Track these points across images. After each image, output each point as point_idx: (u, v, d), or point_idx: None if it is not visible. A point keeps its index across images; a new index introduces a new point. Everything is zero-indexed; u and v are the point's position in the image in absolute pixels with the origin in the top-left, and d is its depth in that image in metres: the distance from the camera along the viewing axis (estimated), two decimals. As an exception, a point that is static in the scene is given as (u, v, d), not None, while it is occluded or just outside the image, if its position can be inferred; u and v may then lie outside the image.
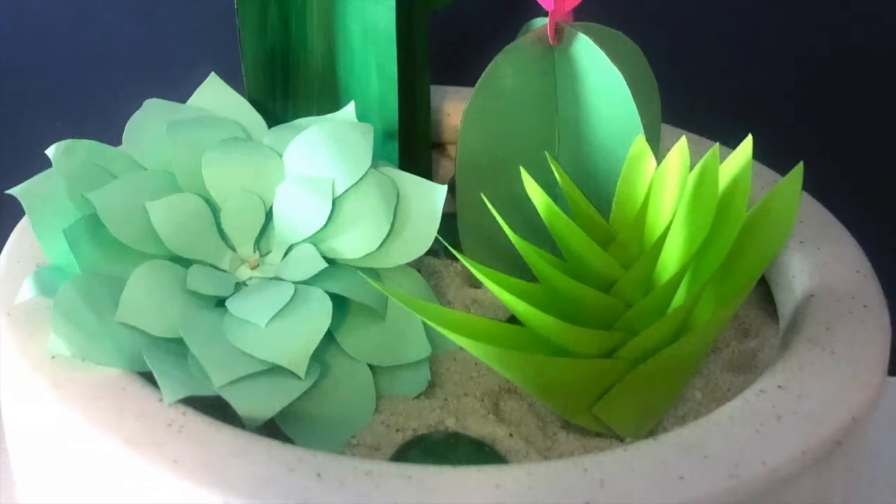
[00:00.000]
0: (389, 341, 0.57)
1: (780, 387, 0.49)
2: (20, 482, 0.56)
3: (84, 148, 0.59)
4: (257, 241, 0.60)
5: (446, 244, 0.57)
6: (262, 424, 0.50)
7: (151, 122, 0.62)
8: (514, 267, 0.55)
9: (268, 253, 0.60)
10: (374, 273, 0.59)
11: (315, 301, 0.54)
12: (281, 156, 0.61)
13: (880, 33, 0.85)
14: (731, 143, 0.55)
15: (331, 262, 0.58)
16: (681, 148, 0.52)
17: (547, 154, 0.57)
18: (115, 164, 0.60)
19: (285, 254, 0.59)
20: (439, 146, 0.79)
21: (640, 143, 0.55)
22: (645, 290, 0.53)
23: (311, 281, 0.56)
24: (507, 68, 0.61)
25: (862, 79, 0.87)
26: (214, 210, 0.59)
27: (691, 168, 0.53)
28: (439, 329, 0.48)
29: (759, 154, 0.55)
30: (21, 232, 0.61)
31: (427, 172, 0.73)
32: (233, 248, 0.59)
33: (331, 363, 0.55)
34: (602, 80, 0.59)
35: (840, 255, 0.60)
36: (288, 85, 0.69)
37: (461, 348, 0.57)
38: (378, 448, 0.52)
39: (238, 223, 0.59)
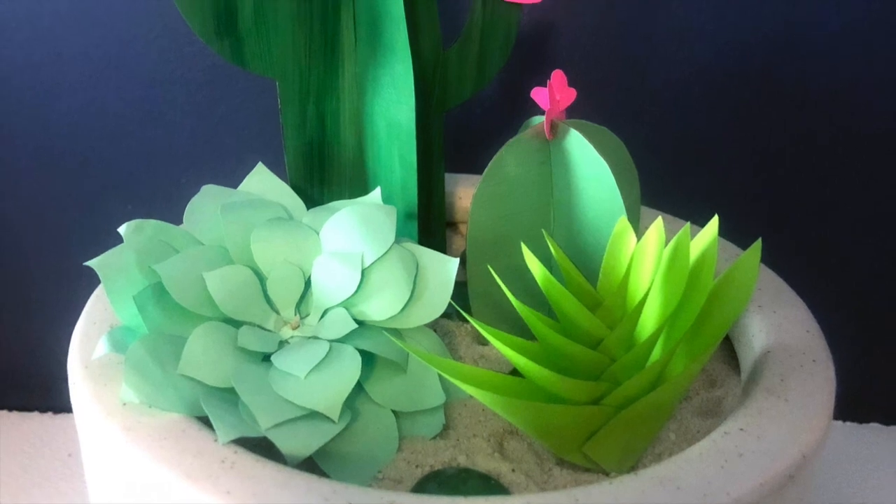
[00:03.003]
0: (410, 390, 0.57)
1: (741, 429, 0.49)
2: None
3: (151, 226, 0.60)
4: (298, 306, 0.60)
5: (458, 308, 0.57)
6: (302, 461, 0.50)
7: (208, 204, 0.62)
8: (515, 327, 0.55)
9: (307, 315, 0.59)
10: (397, 333, 0.58)
11: (347, 356, 0.54)
12: (318, 233, 0.61)
13: (825, 132, 0.85)
14: (700, 222, 0.55)
15: (360, 323, 0.58)
16: (657, 226, 0.52)
17: (544, 232, 0.57)
18: (177, 240, 0.60)
19: (321, 316, 0.59)
20: (452, 225, 0.78)
21: (622, 223, 0.55)
22: (627, 347, 0.53)
23: (343, 339, 0.56)
24: (510, 159, 0.61)
25: (809, 170, 0.87)
26: (261, 279, 0.59)
27: (666, 243, 0.53)
28: (452, 380, 0.48)
29: (723, 232, 0.55)
30: (97, 297, 0.61)
31: (442, 247, 0.73)
32: (277, 312, 0.59)
33: (360, 409, 0.55)
34: (590, 168, 0.59)
35: (792, 317, 0.60)
36: (324, 173, 0.69)
37: (471, 396, 0.57)
38: (400, 481, 0.52)
39: (281, 290, 0.59)
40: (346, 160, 0.69)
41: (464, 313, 0.54)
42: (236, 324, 0.56)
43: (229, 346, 0.54)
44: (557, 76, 0.61)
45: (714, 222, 0.53)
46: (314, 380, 0.53)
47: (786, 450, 0.48)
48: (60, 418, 0.97)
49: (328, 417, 0.51)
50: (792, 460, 0.48)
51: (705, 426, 0.57)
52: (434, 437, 0.56)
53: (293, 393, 0.52)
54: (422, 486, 0.51)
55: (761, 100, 0.85)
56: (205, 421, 0.50)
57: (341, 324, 0.57)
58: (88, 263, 0.56)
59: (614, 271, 0.55)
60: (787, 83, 0.84)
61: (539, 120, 0.62)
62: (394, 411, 0.56)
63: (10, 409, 0.99)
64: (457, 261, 0.59)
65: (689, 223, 0.53)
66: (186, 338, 0.53)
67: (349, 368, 0.54)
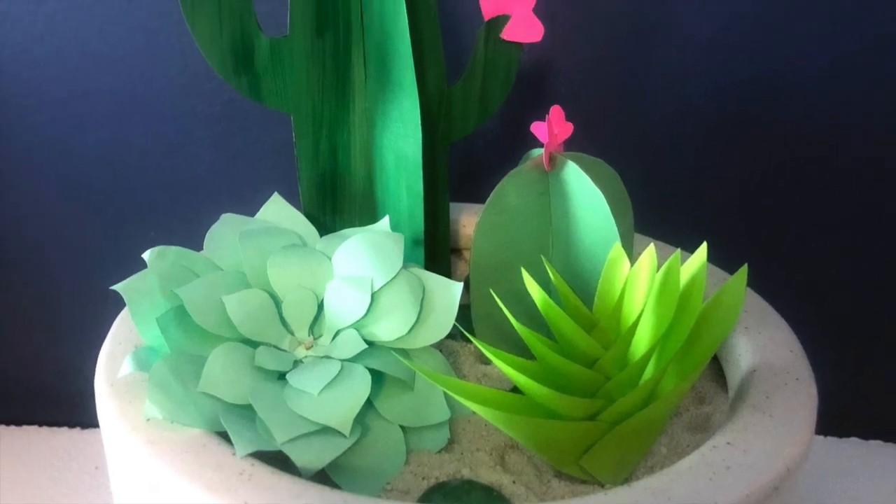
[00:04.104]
0: (417, 407, 0.57)
1: (729, 443, 0.49)
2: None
3: (173, 252, 0.60)
4: (311, 327, 0.60)
5: (462, 329, 0.57)
6: (315, 473, 0.50)
7: (227, 232, 0.62)
8: (516, 348, 0.55)
9: (320, 336, 0.59)
10: (405, 352, 0.58)
11: (357, 375, 0.54)
12: (330, 259, 0.61)
13: (805, 165, 0.86)
14: (690, 248, 0.55)
15: (370, 343, 0.58)
16: (649, 253, 0.52)
17: (543, 258, 0.57)
18: (197, 265, 0.60)
19: (334, 337, 0.59)
20: (456, 251, 0.78)
21: (617, 249, 0.55)
22: (621, 366, 0.53)
23: (354, 359, 0.56)
24: (510, 189, 0.61)
25: (791, 201, 0.87)
26: (277, 302, 0.59)
27: (658, 269, 0.53)
28: (457, 397, 0.49)
29: (712, 257, 0.55)
30: (123, 319, 0.61)
31: (447, 272, 0.73)
32: (291, 333, 0.59)
33: (370, 424, 0.55)
34: (587, 198, 0.59)
35: (777, 338, 0.60)
36: (336, 202, 0.69)
37: (474, 412, 0.57)
38: (408, 492, 0.52)
39: (296, 313, 0.59)
40: (356, 190, 0.69)
41: (467, 334, 0.54)
42: (253, 344, 0.57)
43: (247, 365, 0.54)
44: (556, 111, 0.62)
45: (703, 249, 0.54)
46: (327, 397, 0.53)
47: (771, 463, 0.48)
48: (88, 433, 0.97)
49: (340, 432, 0.51)
50: (777, 473, 0.48)
51: (695, 440, 0.57)
52: (439, 451, 0.56)
53: (307, 409, 0.52)
54: (428, 497, 0.52)
55: (747, 134, 0.85)
56: (224, 436, 0.50)
57: (352, 344, 0.57)
58: (114, 287, 0.56)
59: (609, 295, 0.55)
60: (771, 120, 0.84)
61: (538, 152, 0.62)
62: (402, 426, 0.56)
63: (41, 424, 0.99)
64: (461, 285, 0.60)
65: (679, 250, 0.53)
66: (206, 357, 0.53)
67: (360, 386, 0.54)
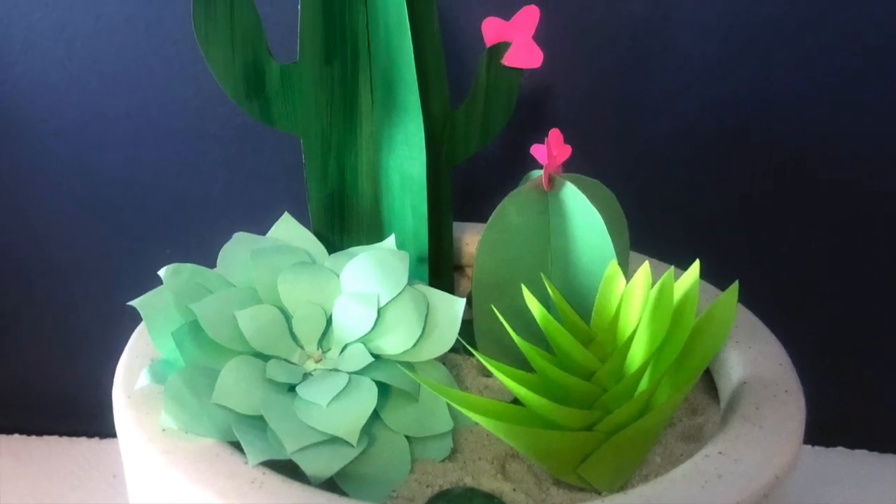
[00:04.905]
0: (421, 418, 0.57)
1: (720, 453, 0.50)
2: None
3: (188, 269, 0.60)
4: (320, 341, 0.60)
5: (465, 344, 0.58)
6: (324, 481, 0.50)
7: (239, 249, 0.62)
8: (517, 361, 0.55)
9: (328, 350, 0.60)
10: (410, 366, 0.58)
11: (364, 387, 0.55)
12: (338, 276, 0.61)
13: (794, 184, 0.86)
14: (683, 266, 0.55)
15: (376, 357, 0.58)
16: (644, 270, 0.53)
17: (542, 275, 0.57)
18: (211, 282, 0.60)
19: (342, 351, 0.59)
20: (459, 268, 0.78)
21: (613, 266, 0.55)
22: (617, 379, 0.53)
23: (361, 372, 0.56)
24: (511, 209, 0.61)
25: (781, 219, 0.87)
26: (287, 317, 0.59)
27: (652, 285, 0.53)
28: (459, 408, 0.49)
29: (704, 274, 0.55)
30: (139, 334, 0.61)
31: (450, 289, 0.72)
32: (301, 347, 0.59)
33: (376, 434, 0.55)
34: (584, 217, 0.60)
35: (766, 352, 0.60)
36: (343, 221, 0.69)
37: (476, 423, 0.57)
38: (412, 500, 0.52)
39: (305, 327, 0.59)
40: (363, 210, 0.69)
41: (470, 348, 0.54)
42: (265, 358, 0.57)
43: (258, 377, 0.55)
44: (554, 134, 0.62)
45: (695, 266, 0.54)
46: (335, 408, 0.53)
47: (761, 471, 0.48)
48: (106, 443, 0.97)
49: (347, 442, 0.51)
50: (766, 481, 0.48)
51: (688, 450, 0.57)
52: (443, 460, 0.56)
53: (316, 420, 0.52)
54: (432, 505, 0.52)
55: (738, 155, 0.85)
56: (236, 445, 0.50)
57: (359, 358, 0.57)
58: (131, 303, 0.57)
59: (606, 310, 0.55)
60: (760, 142, 0.84)
61: (538, 174, 0.63)
62: (407, 436, 0.56)
63: (61, 434, 0.99)
64: (463, 301, 0.60)
65: (673, 267, 0.53)
66: (220, 370, 0.53)
67: (366, 398, 0.54)
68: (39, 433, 0.99)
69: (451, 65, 0.68)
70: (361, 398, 0.54)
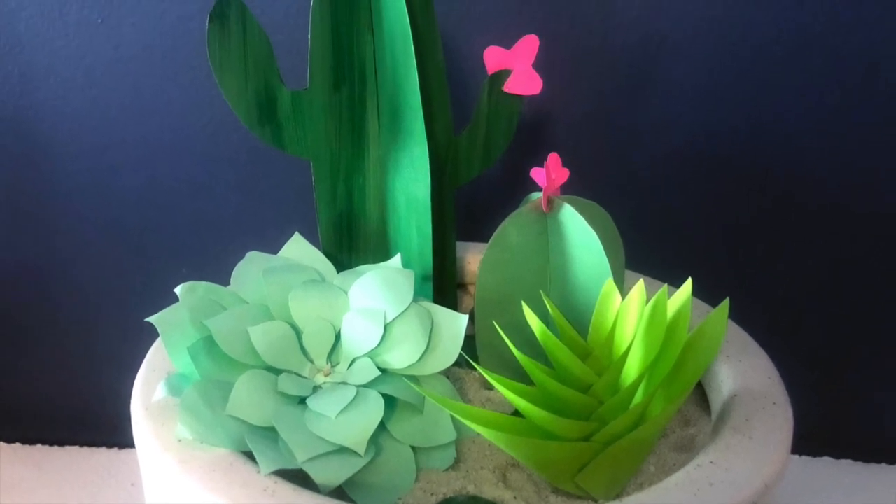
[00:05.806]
0: (426, 429, 0.57)
1: (712, 462, 0.50)
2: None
3: (202, 287, 0.60)
4: (329, 356, 0.60)
5: (467, 358, 0.58)
6: (333, 489, 0.50)
7: (252, 268, 0.63)
8: (517, 374, 0.55)
9: (337, 364, 0.59)
10: (415, 379, 0.59)
11: (371, 399, 0.55)
12: (346, 293, 0.61)
13: (781, 207, 0.86)
14: (676, 284, 0.55)
15: (383, 371, 0.58)
16: (639, 288, 0.53)
17: (542, 292, 0.57)
18: (225, 299, 0.60)
19: (350, 365, 0.59)
20: (462, 286, 0.78)
21: (609, 284, 0.55)
22: (613, 392, 0.53)
23: (368, 385, 0.56)
24: (512, 229, 0.62)
25: (769, 240, 0.87)
26: (298, 333, 0.59)
27: (647, 302, 0.53)
28: (462, 420, 0.49)
29: (696, 292, 0.55)
30: (156, 349, 0.61)
31: (454, 305, 0.72)
32: (311, 361, 0.59)
33: (383, 445, 0.55)
34: (582, 238, 0.60)
35: (756, 365, 0.60)
36: (352, 241, 0.69)
37: (478, 434, 0.57)
38: (417, 508, 0.52)
39: (315, 342, 0.59)
40: (370, 230, 0.69)
41: (472, 362, 0.54)
42: (276, 371, 0.57)
43: (270, 390, 0.55)
44: (553, 158, 0.62)
45: (688, 284, 0.54)
46: (343, 420, 0.53)
47: (750, 480, 0.48)
48: (124, 453, 0.97)
49: (356, 452, 0.52)
50: (755, 489, 0.48)
51: (681, 460, 0.57)
52: (447, 469, 0.56)
53: (325, 431, 0.52)
54: (436, 512, 0.52)
55: (728, 180, 0.85)
56: (249, 455, 0.50)
57: (367, 371, 0.57)
58: (149, 319, 0.57)
59: (602, 326, 0.55)
60: (750, 165, 0.84)
61: (537, 196, 0.63)
62: (412, 447, 0.56)
63: (81, 444, 0.99)
64: (466, 317, 0.60)
65: (666, 285, 0.53)
66: (233, 383, 0.53)
67: (374, 410, 0.54)
68: (61, 444, 0.99)
69: (454, 91, 0.68)
70: (369, 410, 0.54)
